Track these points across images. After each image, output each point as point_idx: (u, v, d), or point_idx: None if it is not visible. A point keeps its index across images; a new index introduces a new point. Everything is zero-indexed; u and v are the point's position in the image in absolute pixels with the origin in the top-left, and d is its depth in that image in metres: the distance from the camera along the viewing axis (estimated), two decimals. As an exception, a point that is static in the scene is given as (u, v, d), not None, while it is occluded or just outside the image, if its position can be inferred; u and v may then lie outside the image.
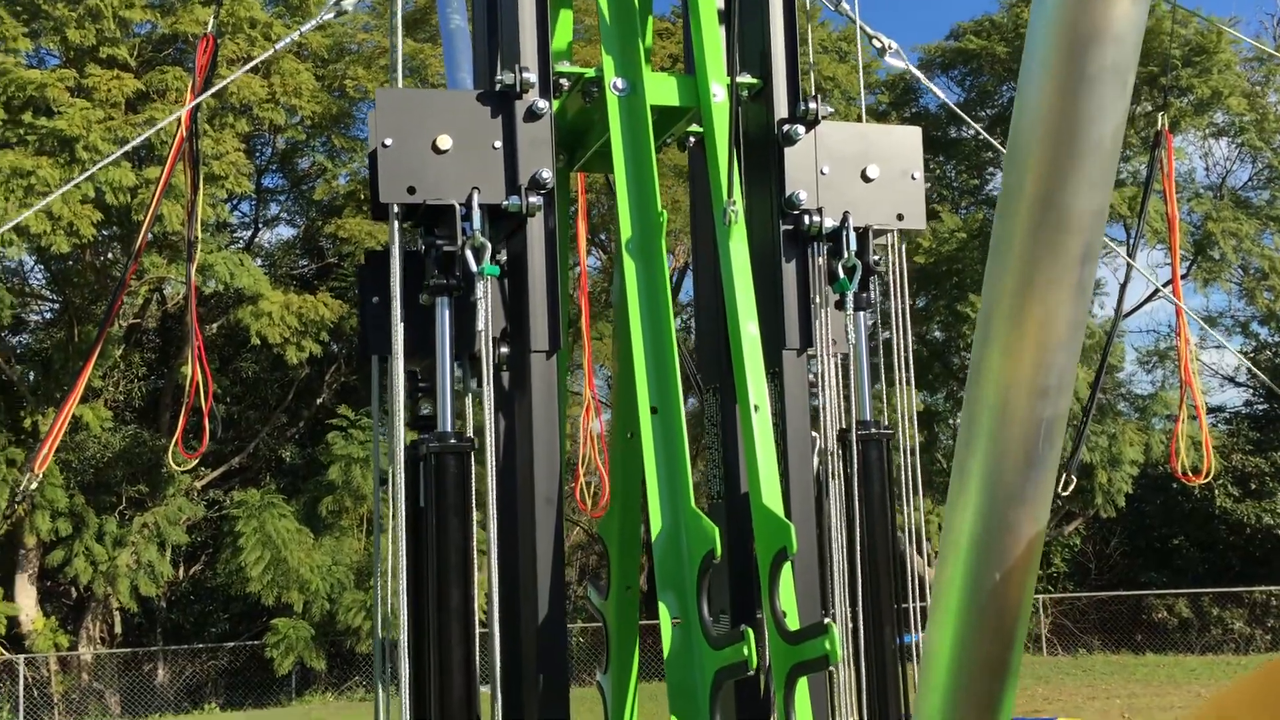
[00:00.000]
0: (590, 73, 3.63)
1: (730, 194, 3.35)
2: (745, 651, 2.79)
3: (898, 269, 3.83)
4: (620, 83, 3.52)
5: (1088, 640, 28.30)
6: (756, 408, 3.28)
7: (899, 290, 3.82)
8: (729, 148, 3.33)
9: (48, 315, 28.85)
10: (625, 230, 3.42)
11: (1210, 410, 32.76)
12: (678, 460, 3.20)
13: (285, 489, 26.72)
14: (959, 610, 1.64)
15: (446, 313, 3.45)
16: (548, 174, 3.44)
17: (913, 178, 3.80)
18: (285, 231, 29.41)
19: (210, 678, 28.18)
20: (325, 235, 25.85)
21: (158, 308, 26.09)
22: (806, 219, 3.63)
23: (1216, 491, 27.99)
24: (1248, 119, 28.01)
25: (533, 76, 3.50)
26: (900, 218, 3.77)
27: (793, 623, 3.12)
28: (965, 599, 1.63)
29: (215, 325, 27.30)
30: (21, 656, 25.65)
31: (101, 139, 21.80)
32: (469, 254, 3.33)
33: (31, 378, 26.75)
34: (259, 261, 28.53)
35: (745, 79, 3.70)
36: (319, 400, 28.89)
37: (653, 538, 3.15)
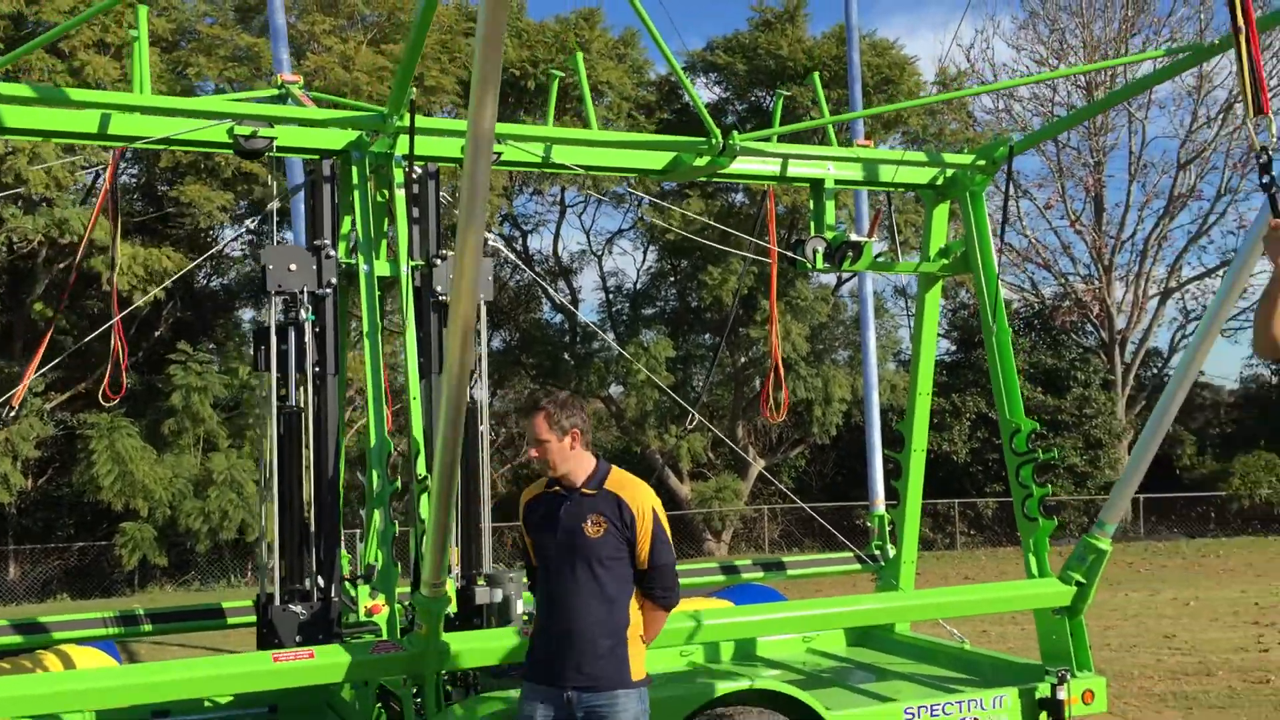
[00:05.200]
0: (351, 262, 8.74)
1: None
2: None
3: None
4: (365, 266, 8.61)
5: (811, 543, 34.87)
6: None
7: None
8: (405, 298, 8.52)
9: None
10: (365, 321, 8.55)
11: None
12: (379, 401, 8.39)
13: (129, 411, 30.69)
14: (448, 402, 6.91)
15: (292, 338, 8.44)
16: (334, 279, 8.50)
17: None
18: (128, 180, 32.95)
19: (59, 574, 32.25)
20: (169, 199, 29.63)
21: (9, 251, 29.59)
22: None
23: (910, 425, 34.63)
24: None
25: (327, 241, 8.54)
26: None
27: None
28: (450, 400, 6.88)
29: (65, 265, 30.94)
30: (-116, 553, 29.35)
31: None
32: (301, 313, 8.38)
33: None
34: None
35: (419, 262, 8.88)
36: (157, 333, 32.91)
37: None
